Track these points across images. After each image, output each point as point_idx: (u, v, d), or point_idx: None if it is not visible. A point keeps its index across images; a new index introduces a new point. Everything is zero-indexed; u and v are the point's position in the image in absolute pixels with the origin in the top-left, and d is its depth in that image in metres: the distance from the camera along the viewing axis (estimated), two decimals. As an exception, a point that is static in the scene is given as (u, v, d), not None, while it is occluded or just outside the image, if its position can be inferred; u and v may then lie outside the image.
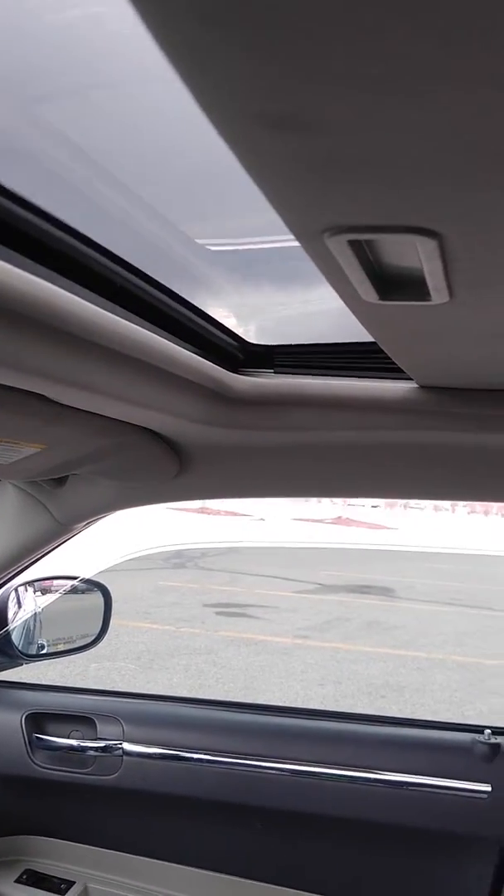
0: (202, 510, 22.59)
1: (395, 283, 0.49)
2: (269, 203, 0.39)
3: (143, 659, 6.61)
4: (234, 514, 24.11)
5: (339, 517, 28.54)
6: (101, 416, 0.82)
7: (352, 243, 0.43)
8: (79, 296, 0.58)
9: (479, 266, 0.46)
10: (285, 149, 0.34)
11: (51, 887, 1.65)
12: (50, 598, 1.65)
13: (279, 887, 1.55)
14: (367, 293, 0.50)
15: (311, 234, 0.43)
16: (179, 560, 12.96)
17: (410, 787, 1.48)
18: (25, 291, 0.51)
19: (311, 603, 9.77)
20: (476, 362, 0.74)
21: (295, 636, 7.84)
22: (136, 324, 0.67)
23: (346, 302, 0.55)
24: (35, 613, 1.61)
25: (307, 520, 26.28)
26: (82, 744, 1.64)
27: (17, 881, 1.66)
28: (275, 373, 0.92)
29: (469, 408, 0.85)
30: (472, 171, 0.35)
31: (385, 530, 24.65)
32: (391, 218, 0.40)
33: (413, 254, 0.44)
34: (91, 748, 1.63)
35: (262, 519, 24.01)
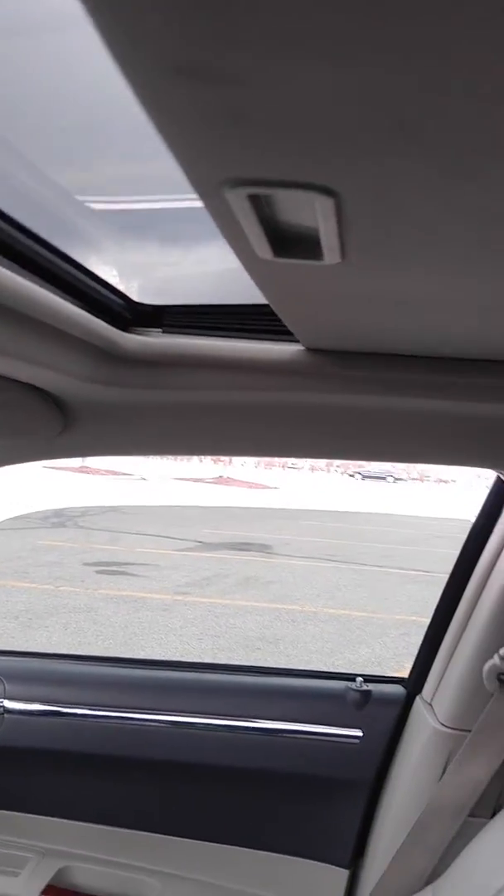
0: (82, 469, 22.17)
1: (290, 241, 0.50)
2: (172, 153, 0.39)
3: (22, 618, 6.49)
4: (115, 473, 23.82)
5: (220, 477, 28.79)
6: None
7: (251, 198, 0.43)
8: None
9: (372, 229, 0.48)
10: (193, 98, 0.34)
11: None
12: None
13: (162, 836, 1.59)
14: (263, 250, 0.51)
15: (211, 186, 0.43)
16: (58, 519, 12.72)
17: (287, 735, 1.55)
18: None
19: (191, 560, 9.87)
20: (361, 326, 0.77)
21: (175, 593, 7.91)
22: (20, 276, 0.65)
23: (240, 258, 0.56)
24: None
25: (189, 479, 26.35)
26: None
27: None
28: (163, 332, 0.92)
29: (353, 371, 0.88)
30: (375, 135, 0.36)
31: (264, 489, 25.10)
32: (292, 174, 0.41)
33: (310, 212, 0.45)
34: None
35: (143, 478, 23.87)
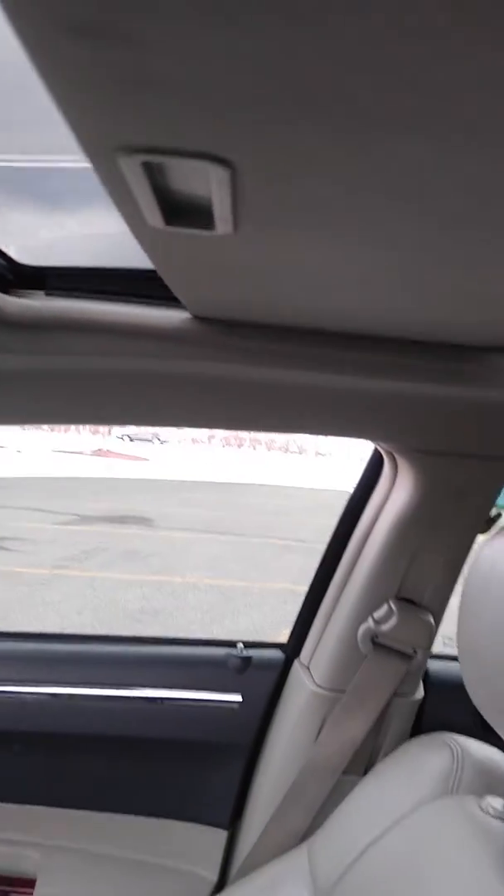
0: (-50, 440, 21.18)
1: (182, 210, 0.50)
2: (64, 117, 0.38)
3: None
4: (-13, 444, 22.93)
5: (100, 449, 28.34)
6: None
7: (145, 165, 0.43)
8: None
9: (266, 201, 0.48)
10: (89, 61, 0.33)
11: None
12: None
13: (42, 807, 1.58)
14: (153, 218, 0.50)
15: (104, 151, 0.41)
16: None
17: (168, 702, 1.56)
18: None
19: (69, 534, 9.68)
20: (249, 297, 0.77)
21: (53, 567, 7.75)
22: None
23: (129, 225, 0.55)
24: None
25: (67, 451, 25.77)
26: None
27: None
28: (46, 295, 0.89)
29: (240, 341, 0.89)
30: (273, 106, 0.36)
31: (145, 462, 24.91)
32: (189, 143, 0.40)
33: (204, 181, 0.44)
34: None
35: (18, 451, 23.11)
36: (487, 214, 0.47)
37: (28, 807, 1.57)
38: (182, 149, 0.41)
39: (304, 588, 1.63)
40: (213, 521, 11.68)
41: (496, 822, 1.01)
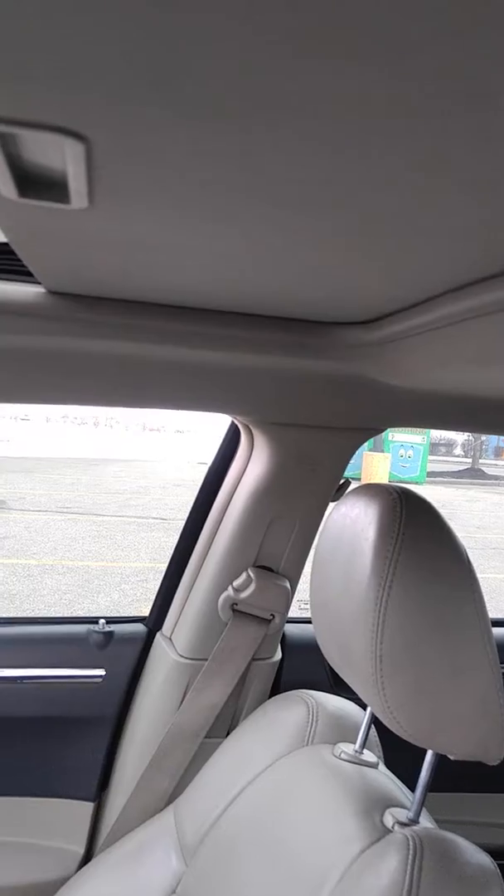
0: None
1: (37, 182, 0.49)
2: None
3: None
4: None
5: None
6: None
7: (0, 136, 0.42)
8: None
9: (121, 177, 0.48)
10: None
11: None
12: None
13: None
14: (7, 189, 0.50)
15: None
16: None
17: (30, 681, 1.54)
18: None
19: None
20: (105, 272, 0.77)
21: None
22: None
23: None
24: None
25: None
26: None
27: None
28: None
29: (96, 316, 0.88)
30: (127, 81, 0.36)
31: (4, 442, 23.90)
32: (43, 116, 0.40)
33: (59, 154, 0.45)
34: None
35: None
36: (329, 197, 0.50)
37: None
38: (36, 121, 0.41)
39: (163, 565, 1.65)
40: (70, 501, 11.43)
41: (347, 765, 1.09)
